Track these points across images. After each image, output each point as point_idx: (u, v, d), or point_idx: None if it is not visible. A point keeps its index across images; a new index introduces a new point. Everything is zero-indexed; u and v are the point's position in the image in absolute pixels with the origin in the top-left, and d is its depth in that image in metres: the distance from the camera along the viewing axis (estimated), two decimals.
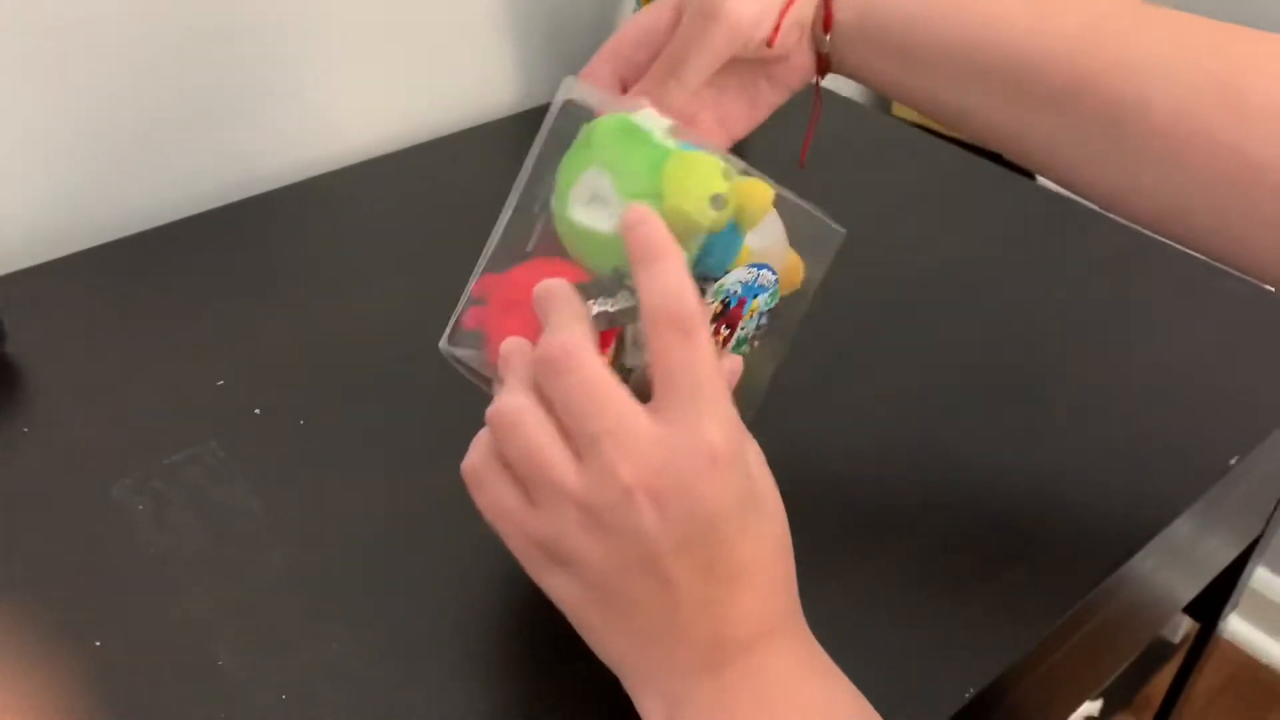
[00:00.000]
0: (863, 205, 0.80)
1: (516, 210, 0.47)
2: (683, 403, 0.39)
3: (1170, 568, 0.62)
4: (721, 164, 0.43)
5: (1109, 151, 0.47)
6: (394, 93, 0.93)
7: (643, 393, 0.41)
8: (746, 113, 0.56)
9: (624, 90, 0.53)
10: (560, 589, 0.42)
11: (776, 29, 0.51)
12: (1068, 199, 0.81)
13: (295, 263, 0.78)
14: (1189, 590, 0.72)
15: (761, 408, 0.51)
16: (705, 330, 0.39)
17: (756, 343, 0.52)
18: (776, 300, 0.50)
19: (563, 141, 0.46)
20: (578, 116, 0.46)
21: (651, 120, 0.45)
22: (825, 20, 0.52)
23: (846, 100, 0.97)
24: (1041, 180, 1.08)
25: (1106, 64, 0.46)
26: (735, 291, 0.48)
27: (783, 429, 0.59)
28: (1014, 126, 0.50)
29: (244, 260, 0.78)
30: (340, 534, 0.56)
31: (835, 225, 0.50)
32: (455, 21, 0.92)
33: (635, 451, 0.39)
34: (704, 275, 0.47)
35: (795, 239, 0.51)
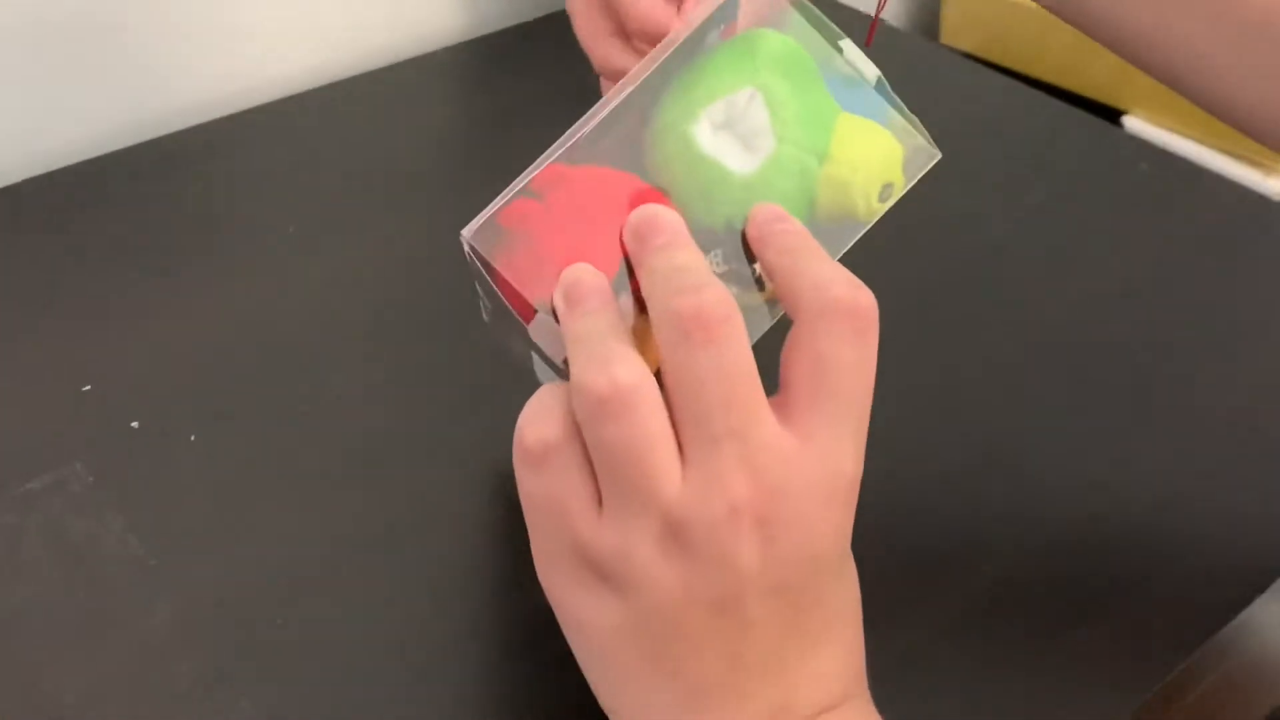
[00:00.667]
0: None
1: (630, 99, 0.40)
2: (830, 415, 0.36)
3: None
4: (904, 154, 0.41)
5: (1265, 58, 0.46)
6: (315, 14, 0.85)
7: None
8: None
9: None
10: (596, 613, 0.37)
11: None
12: (1159, 148, 0.76)
13: (189, 227, 0.71)
14: None
15: None
16: (876, 333, 0.36)
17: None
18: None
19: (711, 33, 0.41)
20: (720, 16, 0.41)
21: (855, 61, 0.42)
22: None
23: (891, 28, 0.93)
24: (1130, 125, 1.05)
25: None
26: None
27: None
28: (1153, 28, 0.48)
29: (122, 225, 0.71)
30: (240, 582, 0.51)
31: (931, 145, 0.44)
32: None
33: (757, 464, 0.35)
34: None
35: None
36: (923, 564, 0.52)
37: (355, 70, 0.85)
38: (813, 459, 0.36)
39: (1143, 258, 0.69)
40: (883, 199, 0.40)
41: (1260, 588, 0.51)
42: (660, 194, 0.40)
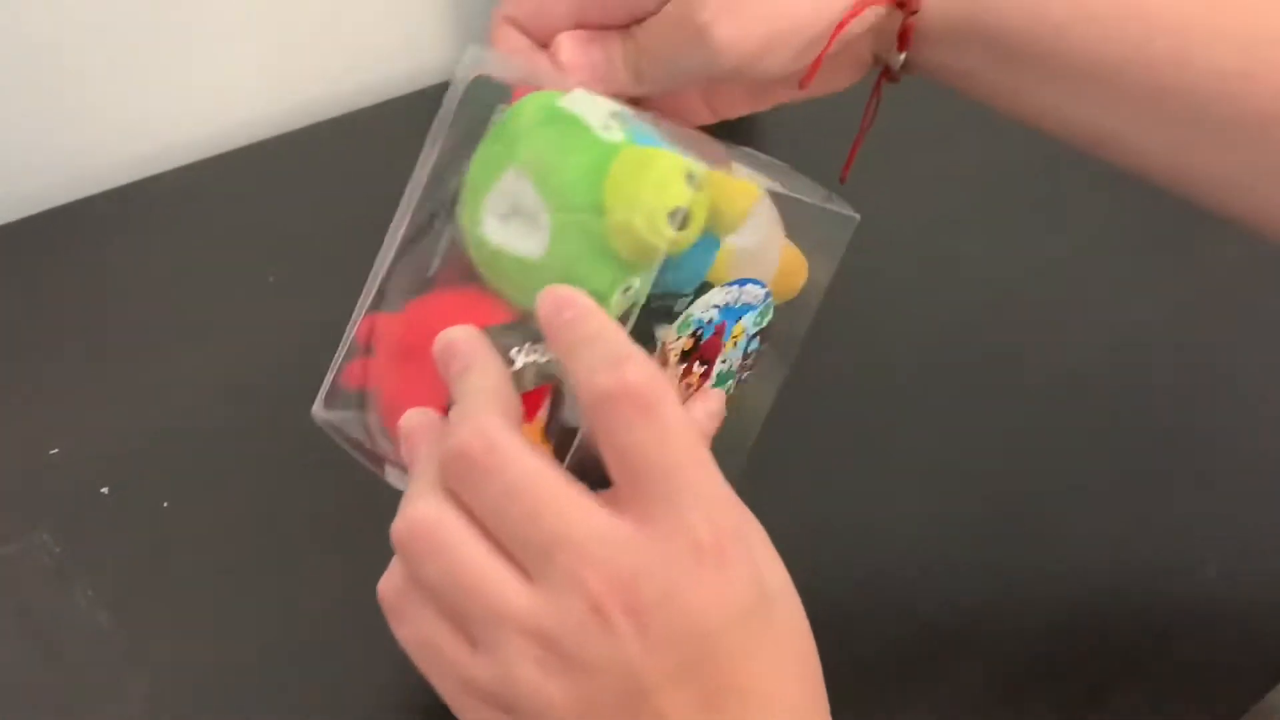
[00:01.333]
0: (918, 195, 0.72)
1: (412, 224, 0.41)
2: (653, 493, 0.34)
3: None
4: (686, 164, 0.37)
5: (1252, 158, 0.43)
6: (268, 62, 0.83)
7: (595, 461, 0.37)
8: (746, 100, 0.49)
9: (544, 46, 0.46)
10: None
11: (813, 69, 0.44)
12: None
13: (158, 280, 0.69)
14: None
15: (758, 459, 0.47)
16: (669, 398, 0.34)
17: (746, 374, 0.47)
18: (770, 316, 0.45)
19: (471, 131, 0.40)
20: (491, 98, 0.41)
21: (588, 104, 0.39)
22: (903, 36, 0.45)
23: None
24: None
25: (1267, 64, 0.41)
26: (709, 319, 0.43)
27: (790, 488, 0.55)
28: (1186, 159, 0.45)
29: (87, 279, 0.68)
30: (218, 655, 0.49)
31: (846, 211, 0.44)
32: None
33: (601, 558, 0.34)
34: (666, 294, 0.42)
35: (796, 230, 0.45)
36: (935, 628, 0.51)
37: (319, 116, 0.83)
38: (657, 538, 0.34)
39: (1157, 303, 0.68)
40: (677, 225, 0.37)
41: None
42: (485, 295, 0.40)
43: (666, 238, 0.36)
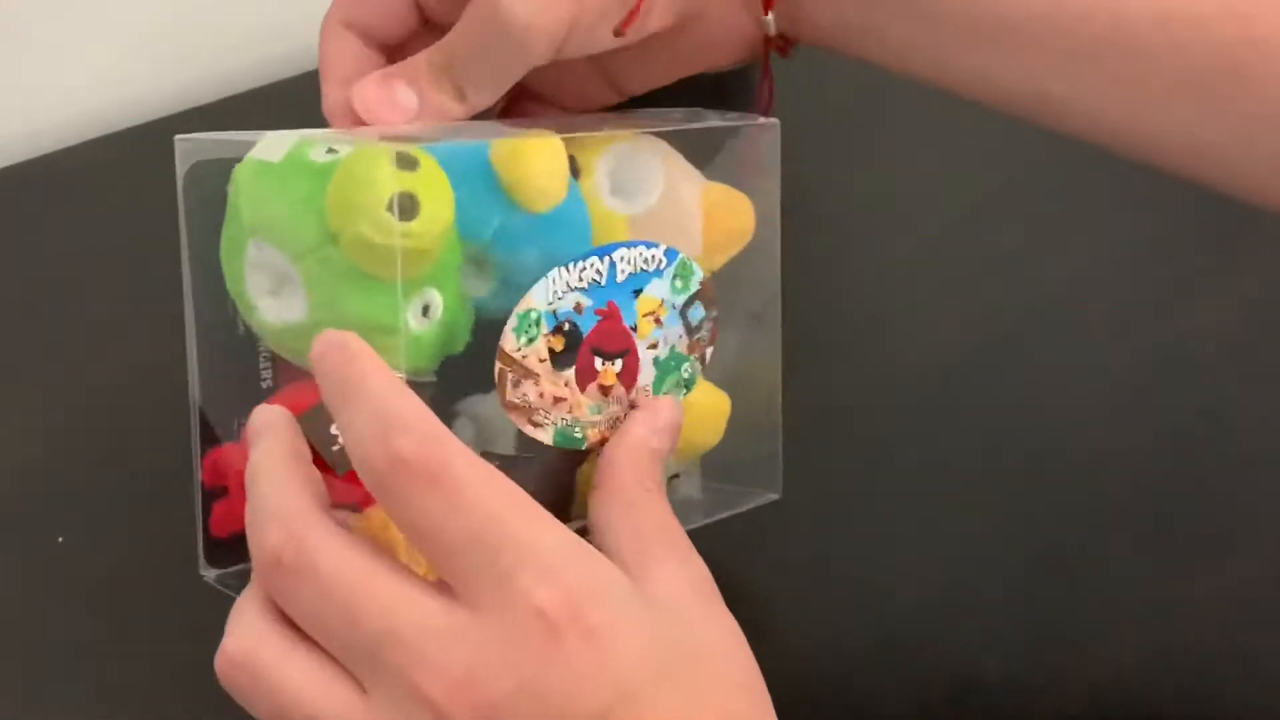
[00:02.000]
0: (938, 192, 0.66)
1: (205, 336, 0.38)
2: (470, 570, 0.30)
3: None
4: (389, 151, 0.34)
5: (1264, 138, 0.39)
6: (152, 40, 0.77)
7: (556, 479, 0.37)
8: (643, 77, 0.45)
9: (388, 60, 0.42)
10: None
11: (632, 15, 0.40)
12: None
13: (31, 289, 0.64)
14: None
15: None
16: (451, 457, 0.31)
17: (709, 349, 0.42)
18: (696, 276, 0.41)
19: (212, 218, 0.37)
20: (220, 179, 0.37)
21: (276, 145, 0.36)
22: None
23: None
24: None
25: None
26: (574, 306, 0.38)
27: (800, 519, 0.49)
28: (1135, 122, 0.41)
29: None
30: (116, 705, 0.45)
31: (758, 119, 0.41)
32: None
33: (433, 656, 0.30)
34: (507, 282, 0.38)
35: (720, 169, 0.42)
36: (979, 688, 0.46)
37: (206, 98, 0.77)
38: (492, 621, 0.30)
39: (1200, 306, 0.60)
40: (405, 214, 0.33)
41: None
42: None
43: (399, 232, 0.33)
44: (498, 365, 0.37)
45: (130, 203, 0.67)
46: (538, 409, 0.38)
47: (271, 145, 0.35)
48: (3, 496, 0.52)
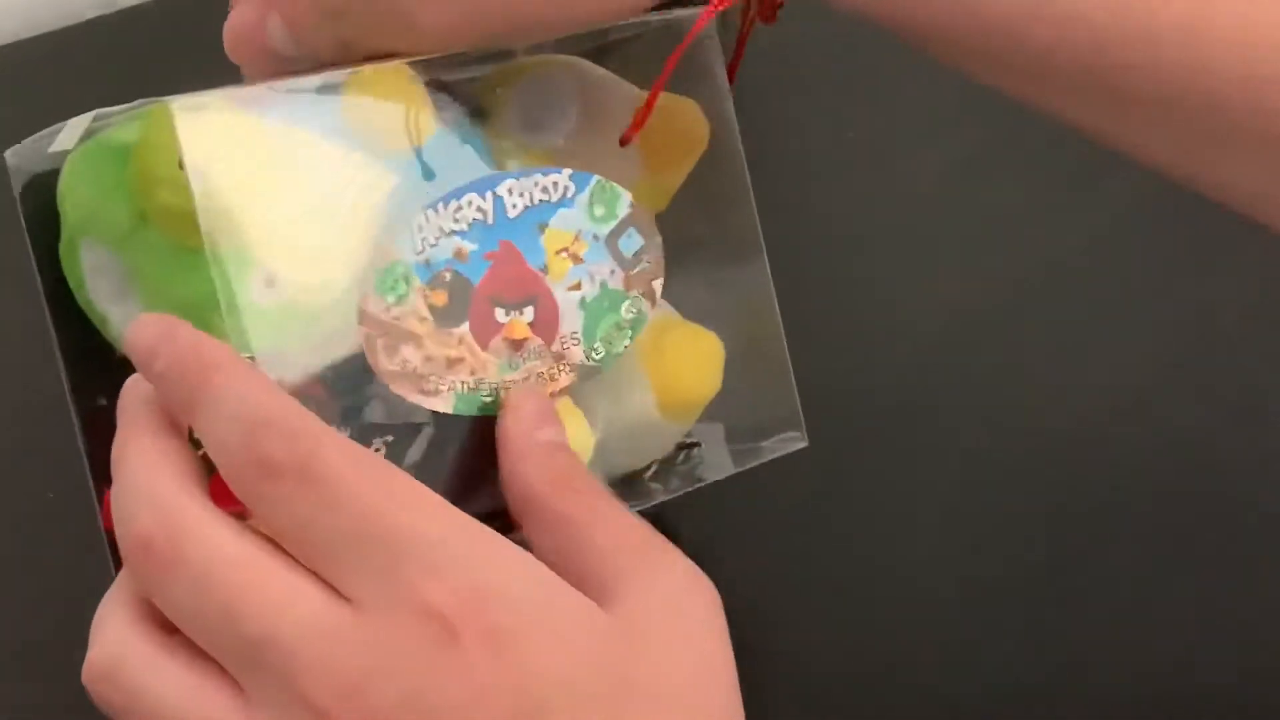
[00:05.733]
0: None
1: (70, 340, 0.35)
2: (355, 570, 0.28)
3: None
4: (173, 104, 0.31)
5: None
6: None
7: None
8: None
9: None
10: None
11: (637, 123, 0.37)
12: None
13: None
14: None
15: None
16: (323, 451, 0.28)
17: (657, 281, 0.38)
18: (621, 199, 0.37)
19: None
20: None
21: (72, 131, 0.33)
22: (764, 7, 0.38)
23: None
24: None
25: None
26: (454, 252, 0.34)
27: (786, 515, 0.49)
28: (1197, 165, 0.37)
29: None
30: None
31: (680, 12, 0.37)
32: None
33: (316, 660, 0.28)
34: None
35: (652, 77, 0.37)
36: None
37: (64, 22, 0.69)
38: (380, 624, 0.28)
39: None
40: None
41: None
42: None
43: (181, 191, 0.30)
44: (362, 330, 0.33)
45: None
46: (427, 375, 0.34)
47: (70, 132, 0.33)
48: None
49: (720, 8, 0.33)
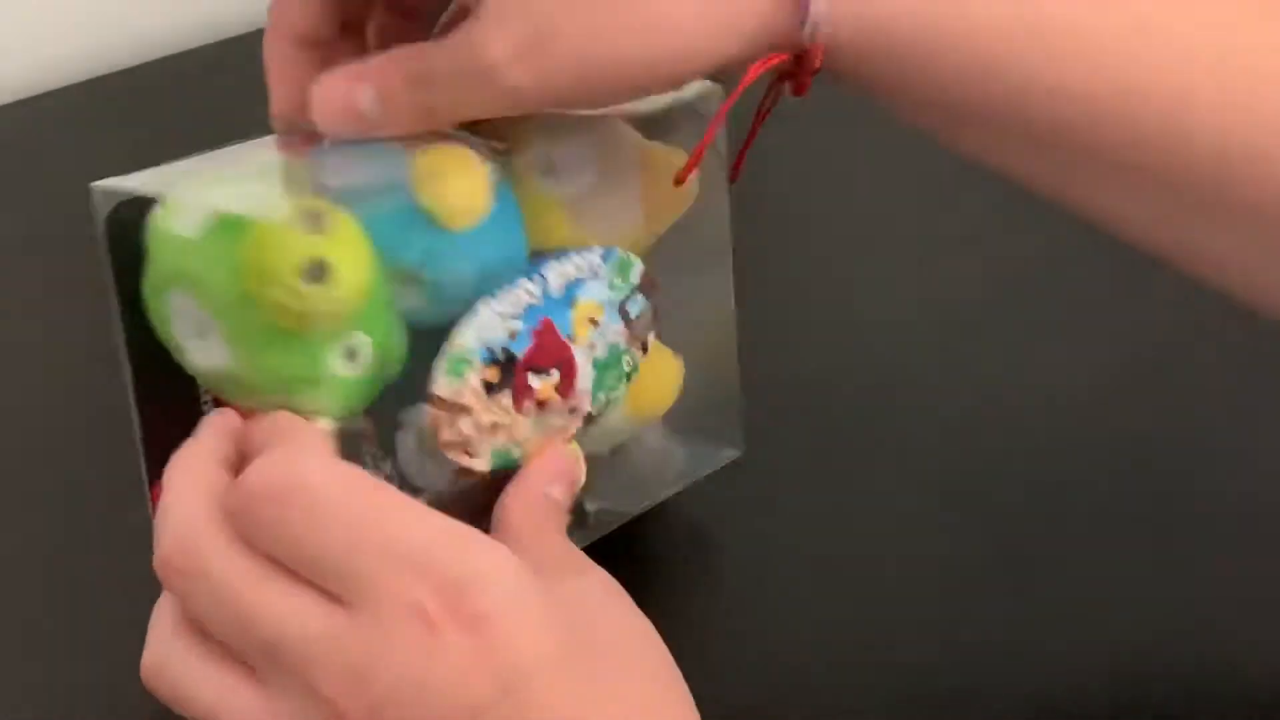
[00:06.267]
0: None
1: (138, 351, 0.37)
2: (347, 579, 0.31)
3: None
4: (296, 209, 0.33)
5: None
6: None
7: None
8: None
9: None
10: None
11: (691, 163, 0.39)
12: None
13: None
14: None
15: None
16: (311, 474, 0.32)
17: (652, 333, 0.41)
18: (634, 268, 0.40)
19: (133, 268, 0.36)
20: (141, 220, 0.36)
21: (188, 213, 0.35)
22: (798, 89, 0.37)
23: None
24: None
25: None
26: (511, 333, 0.37)
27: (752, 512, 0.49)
28: (1172, 234, 0.38)
29: None
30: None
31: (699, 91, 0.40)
32: None
33: (322, 656, 0.31)
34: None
35: (655, 126, 0.41)
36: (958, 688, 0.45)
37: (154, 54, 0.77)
38: (373, 622, 0.31)
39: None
40: (315, 278, 0.33)
41: None
42: None
43: (311, 297, 0.33)
44: (430, 411, 0.36)
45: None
46: (473, 440, 0.37)
47: (183, 212, 0.34)
48: None
49: (770, 64, 0.35)
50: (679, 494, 0.47)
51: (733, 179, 0.41)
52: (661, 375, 0.43)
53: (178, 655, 0.33)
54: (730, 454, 0.47)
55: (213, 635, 0.33)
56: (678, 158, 0.41)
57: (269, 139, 0.38)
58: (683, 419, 0.45)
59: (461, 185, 0.35)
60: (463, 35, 0.34)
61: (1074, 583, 0.47)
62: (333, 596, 0.31)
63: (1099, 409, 0.54)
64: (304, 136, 0.37)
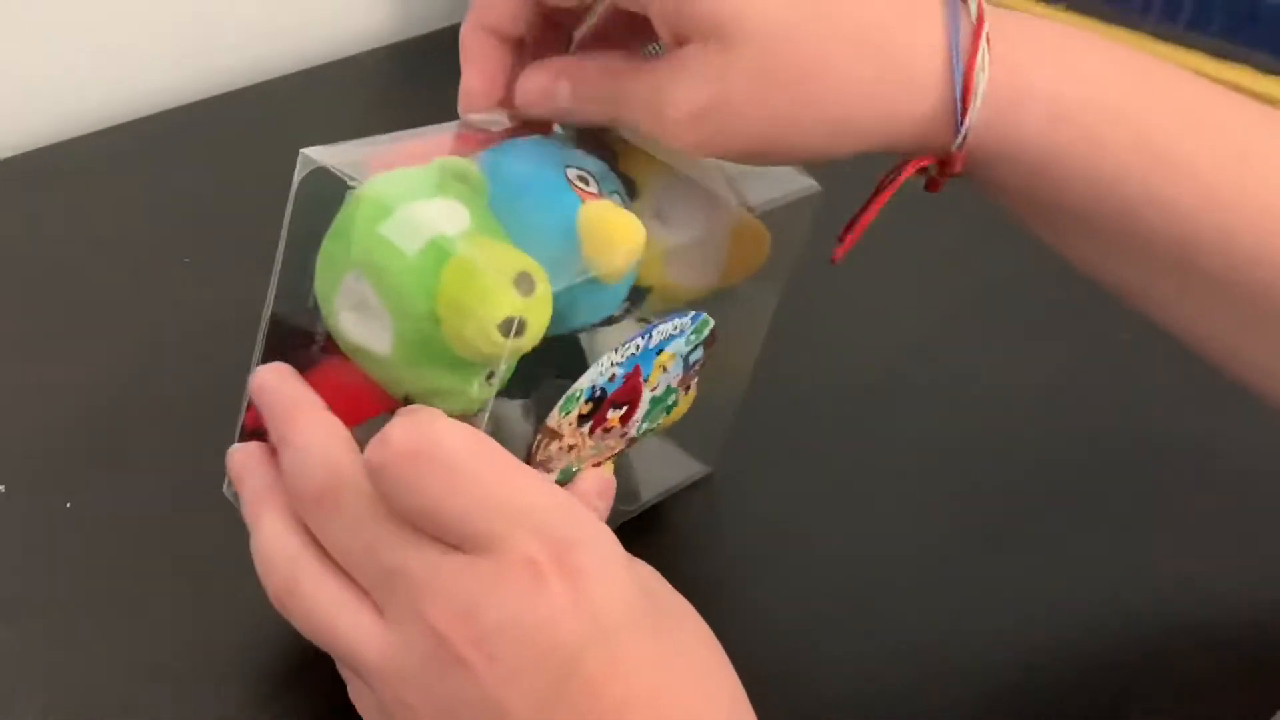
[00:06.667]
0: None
1: (279, 303, 0.41)
2: (473, 532, 0.34)
3: None
4: (515, 271, 0.35)
5: None
6: (182, 24, 0.79)
7: None
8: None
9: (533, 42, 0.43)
10: None
11: (848, 243, 0.43)
12: None
13: (48, 267, 0.65)
14: None
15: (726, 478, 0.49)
16: (438, 436, 0.34)
17: (690, 385, 0.46)
18: (708, 326, 0.44)
19: (315, 221, 0.39)
20: (330, 191, 0.39)
21: (421, 214, 0.37)
22: (930, 186, 0.42)
23: None
24: None
25: None
26: (610, 377, 0.41)
27: (733, 516, 0.54)
28: (1181, 309, 0.43)
29: None
30: (125, 669, 0.46)
31: (804, 177, 0.44)
32: None
33: (437, 589, 0.34)
34: (570, 333, 0.41)
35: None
36: (859, 698, 0.48)
37: (266, 75, 0.80)
38: (489, 566, 0.34)
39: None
40: (509, 333, 0.36)
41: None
42: (359, 384, 0.40)
43: (502, 346, 0.35)
44: (539, 438, 0.40)
45: (144, 189, 0.71)
46: (554, 459, 0.41)
47: (396, 221, 0.36)
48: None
49: (922, 166, 0.40)
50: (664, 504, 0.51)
51: (835, 257, 0.44)
52: (680, 405, 0.48)
53: (308, 572, 0.36)
54: (706, 468, 0.52)
55: (341, 565, 0.36)
56: (760, 236, 0.45)
57: (452, 126, 0.42)
58: (674, 434, 0.50)
59: (626, 253, 0.38)
60: (658, 76, 0.38)
61: (1035, 565, 0.52)
62: (452, 545, 0.34)
63: (1053, 408, 0.60)
64: (480, 135, 0.41)
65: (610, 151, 0.41)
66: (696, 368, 0.45)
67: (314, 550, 0.37)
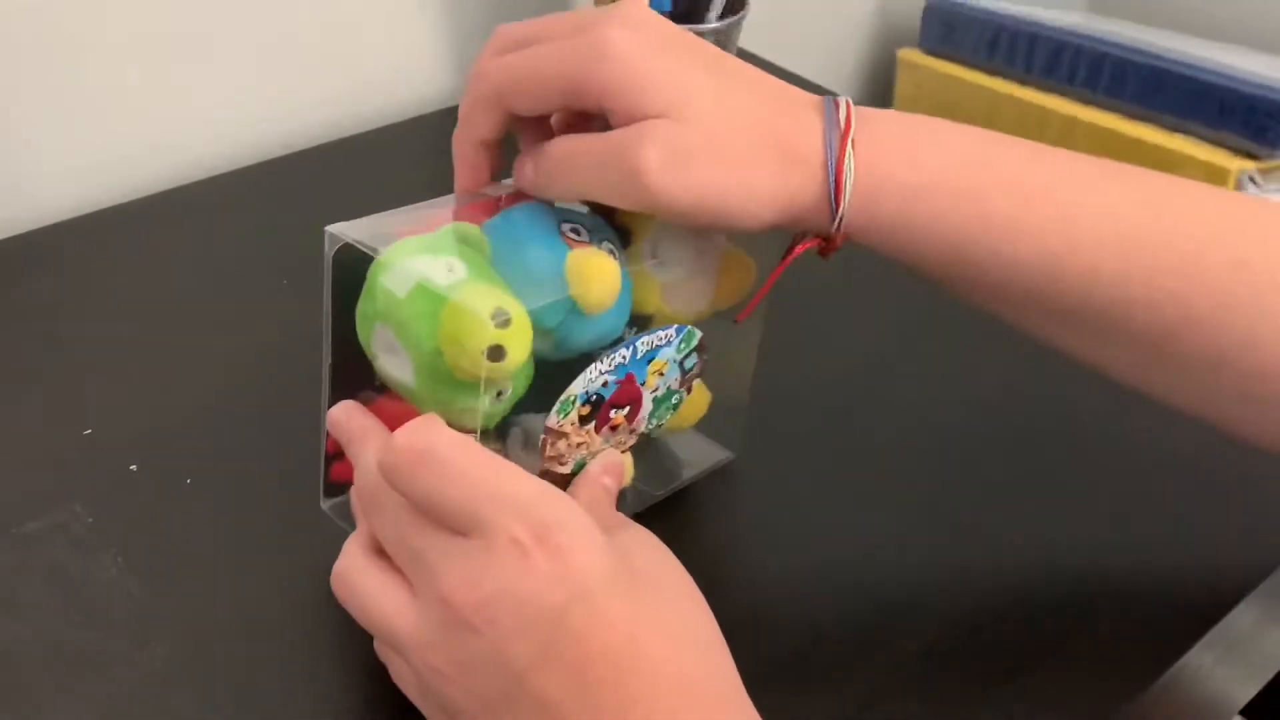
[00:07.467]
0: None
1: (336, 351, 0.47)
2: (469, 519, 0.39)
3: (1228, 664, 0.56)
4: (492, 309, 0.40)
5: (1209, 388, 0.46)
6: (270, 87, 0.84)
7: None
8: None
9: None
10: None
11: (749, 306, 0.49)
12: None
13: (188, 275, 0.71)
14: (1247, 690, 0.63)
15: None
16: (434, 436, 0.40)
17: (696, 379, 0.51)
18: (696, 337, 0.49)
19: (349, 293, 0.45)
20: (359, 262, 0.44)
21: (416, 268, 0.42)
22: (822, 252, 0.47)
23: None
24: None
25: (1210, 306, 0.44)
26: (603, 383, 0.46)
27: (754, 493, 0.57)
28: (1095, 357, 0.48)
29: (123, 274, 0.71)
30: (236, 620, 0.50)
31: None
32: None
33: (446, 566, 0.39)
34: (580, 355, 0.46)
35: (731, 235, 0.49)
36: (876, 618, 0.52)
37: (317, 140, 0.85)
38: (484, 547, 0.38)
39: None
40: (495, 358, 0.41)
41: (1193, 638, 0.51)
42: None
43: (488, 369, 0.41)
44: (543, 438, 0.45)
45: (256, 226, 0.76)
46: (565, 454, 0.47)
47: (398, 276, 0.42)
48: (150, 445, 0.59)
49: (812, 244, 0.46)
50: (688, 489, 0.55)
51: (739, 319, 0.50)
52: (695, 403, 0.53)
53: (357, 564, 0.42)
54: (730, 454, 0.56)
55: (387, 553, 0.41)
56: (746, 266, 0.50)
57: (467, 197, 0.47)
58: (699, 425, 0.55)
59: (602, 290, 0.43)
60: (624, 137, 0.42)
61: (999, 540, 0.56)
62: (457, 531, 0.39)
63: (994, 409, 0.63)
64: (483, 203, 0.46)
65: (609, 208, 0.46)
66: (695, 370, 0.50)
67: (369, 551, 0.42)
